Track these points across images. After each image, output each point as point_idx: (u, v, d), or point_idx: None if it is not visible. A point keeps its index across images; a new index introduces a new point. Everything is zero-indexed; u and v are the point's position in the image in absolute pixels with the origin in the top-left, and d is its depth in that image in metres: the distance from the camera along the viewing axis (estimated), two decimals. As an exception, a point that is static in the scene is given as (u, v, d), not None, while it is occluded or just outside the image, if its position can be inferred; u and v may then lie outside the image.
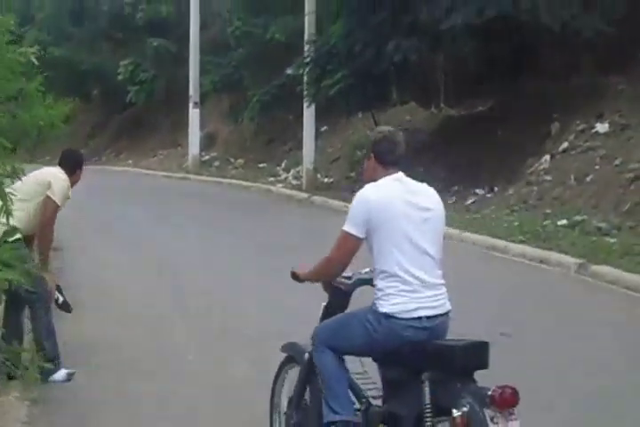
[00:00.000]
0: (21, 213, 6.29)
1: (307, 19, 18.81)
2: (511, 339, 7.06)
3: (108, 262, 11.28)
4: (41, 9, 34.59)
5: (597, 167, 12.70)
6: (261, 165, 23.00)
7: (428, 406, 3.91)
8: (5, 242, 4.84)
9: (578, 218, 11.64)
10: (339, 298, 4.48)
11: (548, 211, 12.44)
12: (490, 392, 3.74)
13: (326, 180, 19.65)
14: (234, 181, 22.13)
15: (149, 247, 12.27)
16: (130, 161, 29.59)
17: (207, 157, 25.93)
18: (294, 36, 20.06)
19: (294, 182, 20.40)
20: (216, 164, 25.23)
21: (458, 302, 7.26)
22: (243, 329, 7.60)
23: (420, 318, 4.10)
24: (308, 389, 4.51)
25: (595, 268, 9.73)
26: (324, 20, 18.13)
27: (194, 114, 25.31)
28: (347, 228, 4.18)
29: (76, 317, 8.24)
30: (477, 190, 14.65)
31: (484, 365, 4.02)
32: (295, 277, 4.54)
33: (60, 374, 6.38)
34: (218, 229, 13.77)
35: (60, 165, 6.91)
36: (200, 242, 12.47)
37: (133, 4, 29.02)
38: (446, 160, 16.15)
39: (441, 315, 4.20)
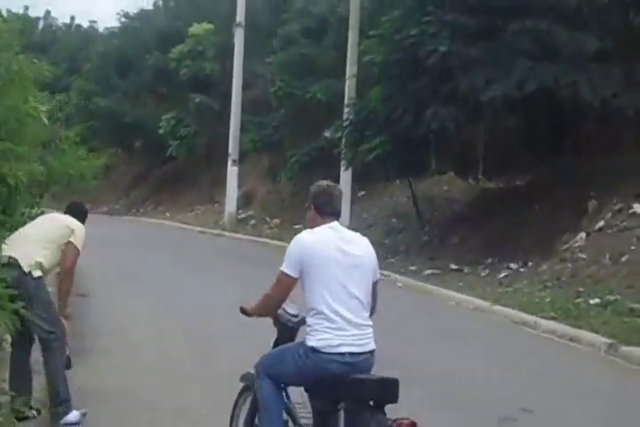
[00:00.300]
0: (47, 252, 6.41)
1: (347, 82, 18.99)
2: (532, 415, 6.96)
3: (133, 311, 11.29)
4: (88, 60, 35.35)
5: (633, 248, 12.49)
6: (297, 226, 22.96)
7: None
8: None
9: (611, 297, 11.38)
10: (286, 333, 4.88)
11: (581, 289, 12.20)
12: (390, 423, 4.17)
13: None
14: (268, 240, 22.13)
15: (176, 299, 12.25)
16: (167, 214, 29.82)
17: (244, 215, 26.02)
18: (335, 99, 20.21)
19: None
20: (252, 222, 25.30)
21: (483, 374, 7.13)
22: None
23: (342, 353, 4.46)
24: (257, 415, 4.86)
25: (625, 349, 9.49)
26: (365, 84, 18.21)
27: (232, 171, 25.49)
28: (283, 268, 4.60)
29: (93, 363, 8.25)
30: (511, 264, 14.43)
31: (393, 399, 4.40)
32: (243, 311, 4.93)
33: (73, 415, 6.27)
34: (246, 285, 13.75)
35: (71, 215, 6.85)
36: (227, 296, 12.45)
37: (178, 59, 29.54)
38: (481, 232, 16.04)
39: (364, 353, 4.53)
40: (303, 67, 22.57)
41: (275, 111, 24.35)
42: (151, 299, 12.04)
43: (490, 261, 14.99)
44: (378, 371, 4.60)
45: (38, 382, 6.58)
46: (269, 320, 4.94)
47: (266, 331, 5.06)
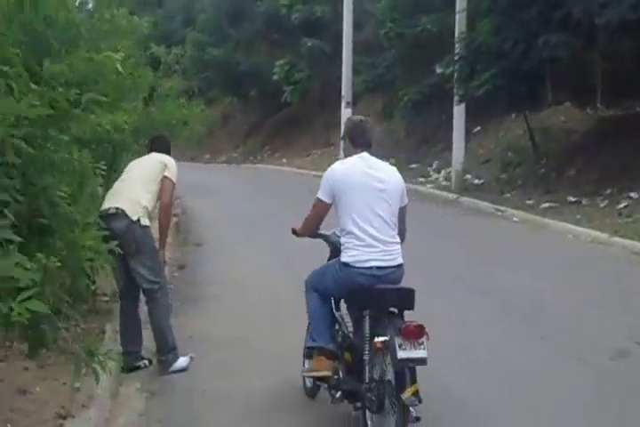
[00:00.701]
0: (149, 195, 6.56)
1: (457, 16, 18.56)
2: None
3: (245, 260, 11.41)
4: (202, 11, 35.59)
5: None
6: (413, 166, 22.82)
7: (367, 336, 5.03)
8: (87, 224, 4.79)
9: None
10: (335, 252, 5.58)
11: None
12: (402, 325, 4.74)
13: (476, 181, 19.30)
14: (384, 180, 22.06)
15: (288, 244, 12.35)
16: (284, 160, 30.07)
17: (359, 157, 25.96)
18: (446, 33, 19.77)
19: (444, 183, 20.17)
20: (367, 163, 25.22)
21: (599, 305, 6.91)
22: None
23: (370, 267, 5.09)
24: None
25: None
26: (475, 17, 17.75)
27: (346, 113, 25.40)
28: (318, 195, 5.28)
29: (204, 311, 8.45)
30: (631, 194, 13.99)
31: (409, 306, 5.02)
32: (294, 232, 5.73)
33: (182, 360, 6.49)
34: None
35: (156, 150, 7.04)
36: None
37: (289, 4, 29.41)
38: (600, 162, 15.55)
39: (390, 267, 5.14)
40: (412, 4, 22.12)
41: (386, 51, 24.03)
42: (265, 248, 12.15)
43: (609, 191, 14.54)
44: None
45: (146, 332, 6.76)
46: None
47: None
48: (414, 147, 23.74)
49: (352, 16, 25.21)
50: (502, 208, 15.51)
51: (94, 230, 3.98)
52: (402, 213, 5.32)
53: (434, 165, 22.03)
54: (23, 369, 5.78)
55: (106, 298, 8.13)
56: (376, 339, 4.87)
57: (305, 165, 27.77)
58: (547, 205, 15.00)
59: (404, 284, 5.18)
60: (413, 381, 4.70)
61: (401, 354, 4.69)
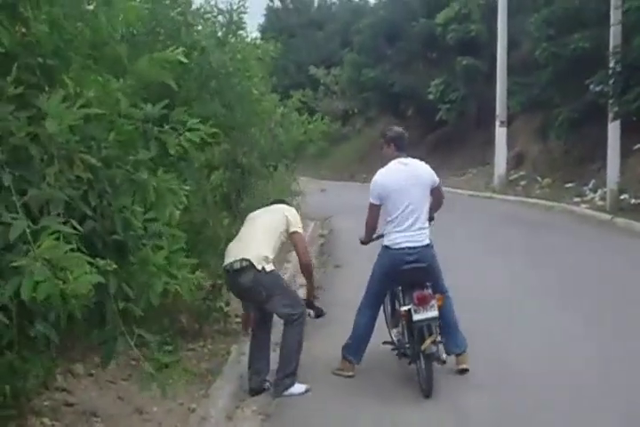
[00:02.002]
0: (271, 244, 6.80)
1: (612, 30, 18.02)
2: None
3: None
4: (359, 33, 36.07)
5: None
6: (568, 185, 22.28)
7: (402, 304, 6.76)
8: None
9: None
10: None
11: None
12: (414, 294, 6.47)
13: (634, 200, 18.61)
14: (537, 200, 21.69)
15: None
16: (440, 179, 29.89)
17: (515, 176, 25.63)
18: (601, 49, 19.24)
19: (600, 203, 19.57)
20: (523, 183, 24.86)
21: None
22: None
23: (404, 248, 6.64)
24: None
25: None
26: (631, 31, 17.17)
27: (500, 132, 25.22)
28: (370, 200, 6.81)
29: (333, 333, 8.53)
30: None
31: (426, 279, 6.62)
32: (362, 242, 7.24)
33: (299, 387, 6.61)
34: (500, 248, 13.78)
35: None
36: (482, 259, 12.52)
37: (444, 24, 29.38)
38: None
39: (421, 246, 6.67)
40: (567, 20, 21.62)
41: (541, 69, 23.58)
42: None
43: None
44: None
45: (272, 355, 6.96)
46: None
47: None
48: (571, 166, 23.13)
49: (506, 35, 24.98)
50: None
51: (178, 255, 4.12)
52: (436, 190, 6.92)
53: (590, 185, 21.41)
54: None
55: (237, 319, 8.37)
56: (401, 308, 6.65)
57: (460, 185, 27.57)
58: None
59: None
60: (430, 334, 6.43)
61: (415, 316, 6.43)
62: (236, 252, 6.69)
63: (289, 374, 6.58)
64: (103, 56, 4.21)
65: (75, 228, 3.27)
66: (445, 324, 6.82)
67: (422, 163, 7.00)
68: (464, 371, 6.88)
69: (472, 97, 29.55)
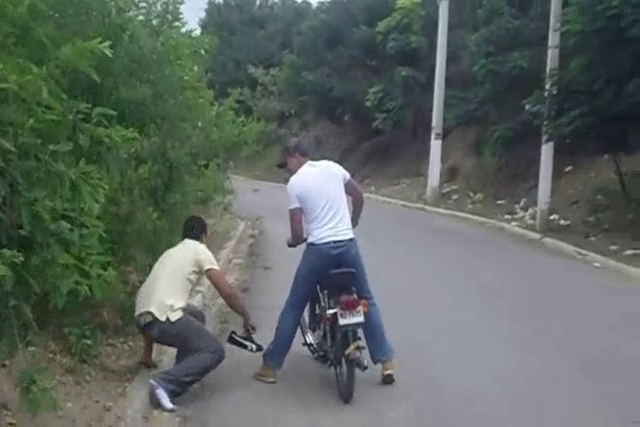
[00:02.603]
0: (174, 290, 6.67)
1: (549, 52, 18.17)
2: None
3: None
4: (300, 34, 35.99)
5: None
6: (500, 202, 22.46)
7: (325, 309, 6.77)
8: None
9: None
10: None
11: None
12: (341, 299, 6.48)
13: (562, 222, 18.79)
14: (470, 215, 21.78)
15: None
16: (372, 187, 29.96)
17: (447, 190, 25.79)
18: (539, 70, 19.39)
19: (529, 222, 19.73)
20: (455, 197, 25.02)
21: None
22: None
23: (328, 242, 6.74)
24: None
25: None
26: (568, 54, 17.27)
27: (435, 145, 25.31)
28: (290, 206, 6.84)
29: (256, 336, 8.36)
30: None
31: (353, 284, 6.61)
32: (289, 245, 7.26)
33: (166, 401, 6.24)
34: (434, 261, 13.85)
35: (187, 235, 7.15)
36: (418, 273, 12.48)
37: (385, 33, 29.41)
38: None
39: (346, 240, 6.79)
40: (506, 39, 21.80)
41: (479, 85, 23.75)
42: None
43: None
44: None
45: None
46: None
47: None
48: (503, 183, 23.34)
49: (446, 48, 25.09)
50: (584, 252, 15.03)
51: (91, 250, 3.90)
52: (349, 185, 7.01)
53: (521, 203, 21.61)
54: (59, 384, 5.75)
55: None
56: (327, 312, 6.66)
57: (392, 194, 27.66)
58: (631, 251, 14.47)
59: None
60: (354, 339, 6.46)
61: (341, 321, 6.46)
62: (142, 301, 6.63)
63: (179, 381, 6.31)
64: (26, 37, 3.94)
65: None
66: (371, 330, 6.89)
67: (329, 161, 7.22)
68: (389, 376, 6.89)
69: (409, 107, 29.62)
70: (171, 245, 8.21)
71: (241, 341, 7.01)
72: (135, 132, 4.58)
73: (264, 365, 7.06)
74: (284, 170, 7.28)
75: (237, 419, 6.06)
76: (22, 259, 3.30)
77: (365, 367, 6.46)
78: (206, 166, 9.19)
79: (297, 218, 6.92)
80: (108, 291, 5.68)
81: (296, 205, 6.83)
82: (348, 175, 7.06)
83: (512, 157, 23.13)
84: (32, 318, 3.80)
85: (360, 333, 6.78)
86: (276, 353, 7.04)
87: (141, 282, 7.99)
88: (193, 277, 6.78)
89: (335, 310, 6.53)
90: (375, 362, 6.91)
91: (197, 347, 6.45)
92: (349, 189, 7.05)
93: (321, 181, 6.86)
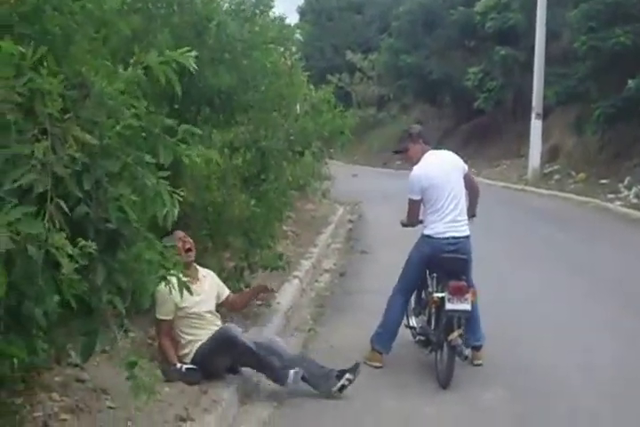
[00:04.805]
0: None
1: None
2: None
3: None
4: (397, 18, 35.84)
5: None
6: (603, 181, 21.96)
7: (432, 293, 6.75)
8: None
9: None
10: None
11: None
12: (450, 283, 6.39)
13: (671, 199, 18.34)
14: (571, 195, 21.35)
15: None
16: (473, 169, 29.49)
17: (549, 170, 25.35)
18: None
19: (634, 201, 19.28)
20: (556, 177, 24.57)
21: None
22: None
23: (447, 237, 6.67)
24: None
25: None
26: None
27: (535, 125, 24.93)
28: (412, 197, 6.83)
29: (351, 321, 8.49)
30: None
31: (463, 271, 6.60)
32: (403, 225, 7.20)
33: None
34: (531, 242, 13.73)
35: None
36: (510, 255, 12.36)
37: (483, 12, 29.03)
38: None
39: (463, 237, 6.73)
40: (609, 15, 21.23)
41: (580, 62, 23.27)
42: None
43: None
44: None
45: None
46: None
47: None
48: (606, 162, 22.81)
49: (545, 26, 24.64)
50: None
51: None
52: (467, 177, 6.96)
53: (625, 182, 21.09)
54: (157, 368, 5.92)
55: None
56: (434, 295, 6.63)
57: (493, 176, 27.38)
58: None
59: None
60: (459, 326, 6.31)
61: (448, 306, 6.36)
62: None
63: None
64: (112, 35, 4.03)
65: (64, 212, 3.18)
66: (471, 317, 6.76)
67: (449, 152, 7.11)
68: (478, 365, 6.86)
69: (509, 87, 29.24)
70: (266, 232, 8.41)
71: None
72: (216, 153, 4.62)
73: (372, 350, 7.00)
74: (400, 156, 7.26)
75: (332, 404, 6.02)
76: (95, 249, 3.31)
77: (466, 357, 6.45)
78: (301, 154, 9.27)
79: (415, 210, 6.92)
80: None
81: (418, 197, 6.78)
82: (466, 167, 6.99)
83: (615, 135, 22.60)
84: (124, 314, 3.90)
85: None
86: (384, 338, 6.98)
87: (236, 268, 8.23)
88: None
89: (443, 295, 6.47)
90: (467, 346, 6.70)
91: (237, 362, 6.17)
92: (467, 182, 6.95)
93: (444, 172, 6.77)
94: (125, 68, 3.80)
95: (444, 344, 6.42)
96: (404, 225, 7.21)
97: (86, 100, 3.54)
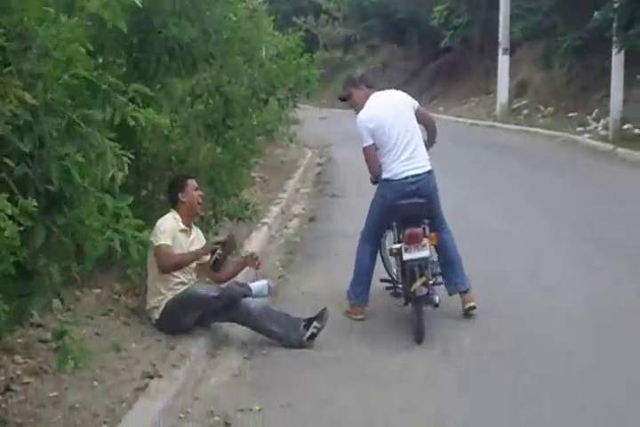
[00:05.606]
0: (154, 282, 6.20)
1: (619, -43, 17.41)
2: None
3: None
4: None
5: None
6: (571, 114, 21.92)
7: (395, 241, 6.59)
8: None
9: None
10: None
11: None
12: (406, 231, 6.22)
13: (637, 131, 18.32)
14: (540, 130, 21.38)
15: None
16: (441, 108, 29.51)
17: (517, 105, 25.28)
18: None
19: (602, 133, 19.28)
20: (525, 112, 24.51)
21: None
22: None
23: (407, 177, 6.42)
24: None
25: None
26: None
27: (503, 60, 24.79)
28: (364, 144, 6.54)
29: (323, 267, 8.43)
30: None
31: (422, 215, 6.40)
32: (373, 182, 6.78)
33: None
34: (499, 179, 13.69)
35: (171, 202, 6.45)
36: (485, 193, 12.34)
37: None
38: None
39: (424, 173, 6.48)
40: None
41: (546, -5, 22.99)
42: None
43: None
44: None
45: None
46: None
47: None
48: (574, 95, 22.69)
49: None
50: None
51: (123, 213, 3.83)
52: (420, 113, 6.68)
53: (593, 114, 21.05)
54: (124, 324, 5.89)
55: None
56: (393, 246, 6.49)
57: (462, 113, 27.25)
58: None
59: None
60: (421, 275, 6.15)
61: (405, 256, 6.21)
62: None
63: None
64: None
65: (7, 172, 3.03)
66: (446, 261, 6.67)
67: (395, 90, 6.92)
68: (471, 309, 6.60)
69: (475, 24, 28.88)
70: (231, 178, 8.26)
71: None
72: (166, 118, 4.40)
73: (349, 302, 6.82)
74: (347, 103, 6.80)
75: (301, 357, 5.95)
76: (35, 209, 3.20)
77: (436, 305, 6.32)
78: (265, 102, 9.08)
79: (372, 155, 6.57)
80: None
81: (369, 141, 6.50)
82: (416, 103, 6.73)
83: (582, 68, 22.47)
84: (60, 281, 3.76)
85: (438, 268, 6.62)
86: (358, 291, 6.77)
87: (203, 218, 8.02)
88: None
89: (400, 245, 6.30)
90: (451, 294, 6.69)
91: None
92: (420, 117, 6.66)
93: (390, 111, 6.50)
94: (69, 17, 3.62)
95: (411, 296, 6.22)
96: (374, 182, 6.79)
97: (27, 52, 3.33)
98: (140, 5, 3.92)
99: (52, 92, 3.39)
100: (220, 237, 7.09)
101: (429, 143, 6.89)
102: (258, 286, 6.36)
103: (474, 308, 6.61)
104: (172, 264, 5.97)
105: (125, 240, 3.69)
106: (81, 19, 3.69)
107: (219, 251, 6.30)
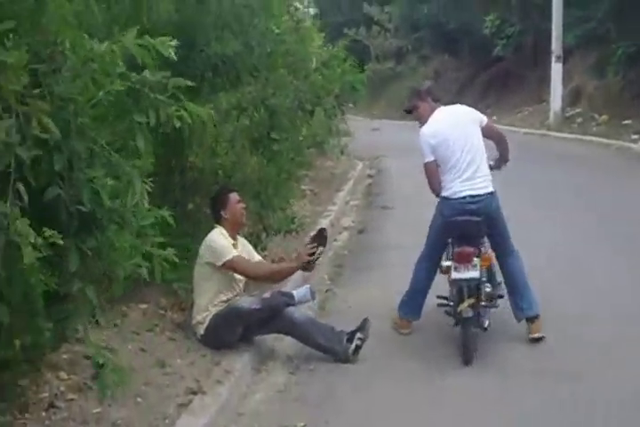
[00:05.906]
0: (199, 289, 6.22)
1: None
2: None
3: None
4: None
5: None
6: (625, 122, 21.58)
7: (447, 258, 6.32)
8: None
9: None
10: None
11: None
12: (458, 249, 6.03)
13: (692, 138, 18.00)
14: (594, 138, 21.09)
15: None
16: (494, 117, 29.22)
17: (571, 113, 24.94)
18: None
19: (658, 140, 18.98)
20: (579, 120, 24.17)
21: None
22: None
23: (464, 197, 6.16)
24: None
25: None
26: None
27: (556, 69, 24.49)
28: (425, 160, 6.32)
29: (371, 279, 8.35)
30: None
31: (478, 234, 6.17)
32: (437, 195, 6.44)
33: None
34: (552, 188, 13.39)
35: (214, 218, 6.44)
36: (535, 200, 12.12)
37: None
38: None
39: (484, 194, 6.19)
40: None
41: (599, 2, 22.67)
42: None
43: None
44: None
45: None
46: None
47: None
48: (628, 102, 22.32)
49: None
50: None
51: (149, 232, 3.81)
52: (488, 128, 6.41)
53: (648, 122, 20.73)
54: (169, 340, 5.89)
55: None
56: (443, 264, 6.31)
57: (515, 123, 26.98)
58: None
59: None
60: (470, 296, 5.88)
61: (453, 274, 5.98)
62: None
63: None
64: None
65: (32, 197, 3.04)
66: (512, 286, 6.39)
67: (460, 105, 6.62)
68: (537, 340, 6.21)
69: (528, 32, 28.67)
70: (277, 192, 8.25)
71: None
72: (210, 112, 4.34)
73: (399, 315, 6.70)
74: (412, 115, 6.55)
75: (347, 373, 5.86)
76: (60, 239, 3.18)
77: (485, 329, 6.05)
78: (312, 113, 9.06)
79: (433, 172, 6.33)
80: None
81: (431, 158, 6.27)
82: (484, 119, 6.42)
83: (636, 75, 22.11)
84: (97, 303, 3.75)
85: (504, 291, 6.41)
86: (410, 306, 6.63)
87: (252, 233, 8.04)
88: (216, 276, 6.11)
89: (449, 263, 6.11)
90: (518, 320, 6.34)
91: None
92: (488, 133, 6.41)
93: (454, 126, 6.23)
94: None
95: (458, 316, 6.00)
96: (437, 195, 6.48)
97: (57, 74, 3.33)
98: (176, 59, 3.85)
99: (82, 115, 3.37)
100: (311, 233, 6.95)
101: (503, 160, 6.74)
102: (300, 291, 6.31)
103: (539, 339, 6.22)
104: (265, 274, 6.25)
105: (152, 262, 3.68)
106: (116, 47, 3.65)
107: (318, 252, 6.17)
